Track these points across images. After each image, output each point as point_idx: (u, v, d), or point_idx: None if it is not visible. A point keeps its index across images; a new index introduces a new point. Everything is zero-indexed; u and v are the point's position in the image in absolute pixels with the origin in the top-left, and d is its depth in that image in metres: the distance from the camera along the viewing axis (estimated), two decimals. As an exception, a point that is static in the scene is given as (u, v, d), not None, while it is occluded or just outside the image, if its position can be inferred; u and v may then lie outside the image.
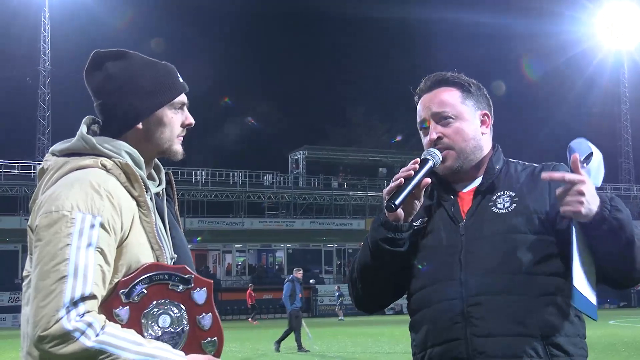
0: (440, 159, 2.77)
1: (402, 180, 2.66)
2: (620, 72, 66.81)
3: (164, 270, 2.33)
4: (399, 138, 79.46)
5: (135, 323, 2.25)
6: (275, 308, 53.11)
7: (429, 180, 2.72)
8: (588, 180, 2.44)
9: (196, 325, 2.34)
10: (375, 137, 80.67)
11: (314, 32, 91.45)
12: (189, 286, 2.34)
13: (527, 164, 2.89)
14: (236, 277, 57.90)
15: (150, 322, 2.28)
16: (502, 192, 2.75)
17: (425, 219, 2.83)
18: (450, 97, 2.83)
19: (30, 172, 53.75)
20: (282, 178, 64.24)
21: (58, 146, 2.48)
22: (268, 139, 78.53)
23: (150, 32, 71.32)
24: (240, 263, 59.82)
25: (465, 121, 2.81)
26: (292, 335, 21.15)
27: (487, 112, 2.89)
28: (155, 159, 2.62)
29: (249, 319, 43.27)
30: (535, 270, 2.60)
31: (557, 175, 2.48)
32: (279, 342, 21.18)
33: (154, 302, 2.29)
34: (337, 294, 48.02)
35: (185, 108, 2.61)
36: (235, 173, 60.64)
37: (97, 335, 2.13)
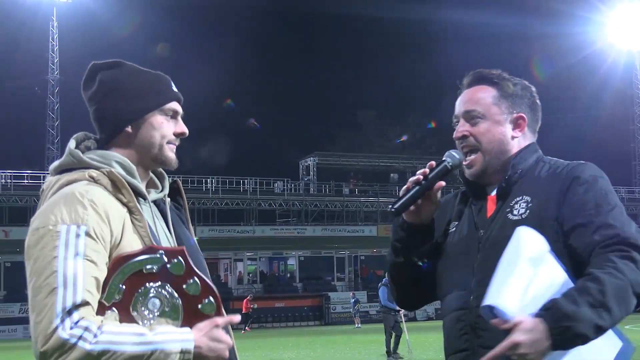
0: (460, 159, 2.76)
1: (410, 185, 2.71)
2: (633, 73, 66.42)
3: (132, 259, 2.34)
4: (404, 138, 79.39)
5: (127, 320, 2.28)
6: (287, 316, 53.07)
7: (442, 183, 2.72)
8: (519, 335, 2.28)
9: (186, 294, 2.35)
10: (387, 141, 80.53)
11: (324, 35, 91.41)
12: (163, 263, 2.35)
13: (559, 162, 2.76)
14: (248, 285, 57.67)
15: (142, 312, 2.31)
16: (520, 197, 2.68)
17: (457, 223, 2.84)
18: (483, 96, 2.79)
19: (40, 183, 53.14)
20: (293, 185, 63.91)
21: (53, 165, 2.55)
22: (278, 145, 78.33)
23: (158, 38, 71.77)
24: (251, 271, 59.66)
25: (495, 122, 2.76)
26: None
27: (523, 114, 2.80)
28: (160, 168, 2.69)
29: (243, 331, 42.99)
30: None
31: (491, 356, 2.35)
32: (395, 350, 20.23)
33: (137, 292, 2.32)
34: (352, 300, 47.64)
35: (179, 118, 2.65)
36: (246, 180, 60.26)
37: (95, 336, 2.16)
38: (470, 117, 2.77)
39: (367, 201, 64.68)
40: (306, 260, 60.68)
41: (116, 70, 2.61)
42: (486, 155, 2.75)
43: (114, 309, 2.29)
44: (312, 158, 66.44)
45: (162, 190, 2.70)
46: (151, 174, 2.70)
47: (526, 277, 2.38)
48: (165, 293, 2.34)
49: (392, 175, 68.69)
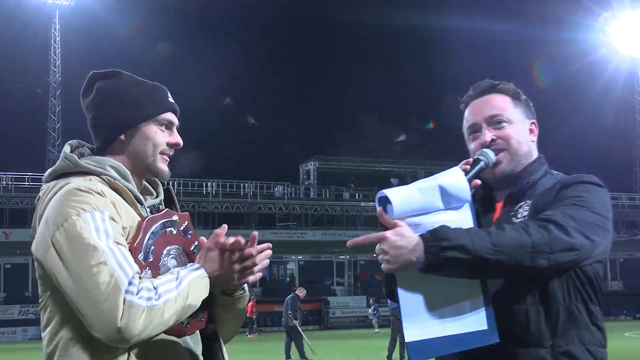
0: (493, 159, 2.79)
1: None
2: (635, 80, 66.60)
3: (158, 221, 2.52)
4: (402, 137, 79.37)
5: (157, 276, 2.45)
6: (287, 320, 53.09)
7: (478, 181, 2.72)
8: (391, 233, 2.48)
9: (190, 255, 2.59)
10: (388, 146, 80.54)
11: (326, 40, 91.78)
12: (177, 226, 2.58)
13: (563, 175, 2.84)
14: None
15: (165, 270, 2.48)
16: (524, 202, 2.74)
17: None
18: (502, 102, 2.87)
19: (40, 185, 53.01)
20: (293, 189, 64.08)
21: (47, 172, 2.61)
22: (279, 149, 78.40)
23: (160, 40, 71.73)
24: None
25: (518, 126, 2.85)
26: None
27: (535, 121, 2.93)
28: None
29: (248, 334, 43.01)
30: (544, 279, 2.57)
31: (358, 241, 2.60)
32: (402, 357, 19.91)
33: (163, 253, 2.50)
34: (373, 307, 47.29)
35: (174, 129, 2.70)
36: (246, 184, 60.42)
37: (157, 293, 2.32)
38: (496, 122, 2.84)
39: (367, 206, 64.73)
40: (306, 264, 60.73)
41: (114, 79, 2.66)
42: (514, 156, 2.82)
43: (148, 268, 2.44)
44: (312, 162, 66.49)
45: (157, 197, 2.77)
46: (144, 182, 2.77)
47: (432, 201, 2.52)
48: (179, 254, 2.57)
49: (392, 179, 68.74)
